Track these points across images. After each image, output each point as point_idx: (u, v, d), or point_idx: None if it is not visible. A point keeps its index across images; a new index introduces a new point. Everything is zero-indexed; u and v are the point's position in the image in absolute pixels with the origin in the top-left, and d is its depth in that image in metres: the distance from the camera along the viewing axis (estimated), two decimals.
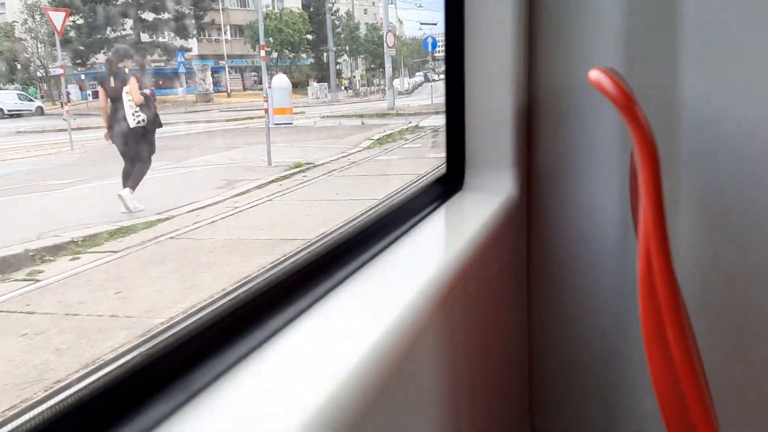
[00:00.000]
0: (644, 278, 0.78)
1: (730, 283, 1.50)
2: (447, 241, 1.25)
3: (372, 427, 0.70)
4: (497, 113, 1.49)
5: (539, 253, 1.62)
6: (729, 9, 1.39)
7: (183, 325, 0.68)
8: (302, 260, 0.91)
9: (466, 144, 1.52)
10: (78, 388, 0.55)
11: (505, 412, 1.52)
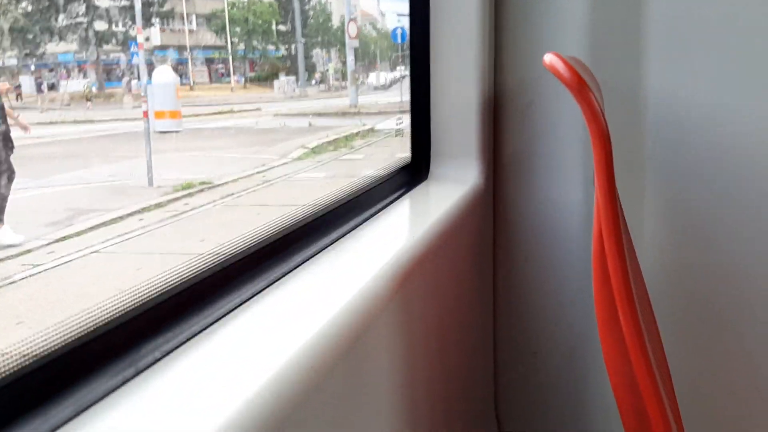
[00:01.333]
0: (597, 257, 0.79)
1: (693, 275, 1.52)
2: (409, 228, 1.26)
3: (320, 408, 0.70)
4: (463, 103, 1.50)
5: (505, 243, 1.63)
6: (694, 2, 1.41)
7: (136, 299, 0.67)
8: (259, 241, 0.90)
9: (431, 133, 1.53)
10: (19, 359, 0.55)
11: (469, 400, 1.53)
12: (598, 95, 1.06)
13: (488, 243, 1.63)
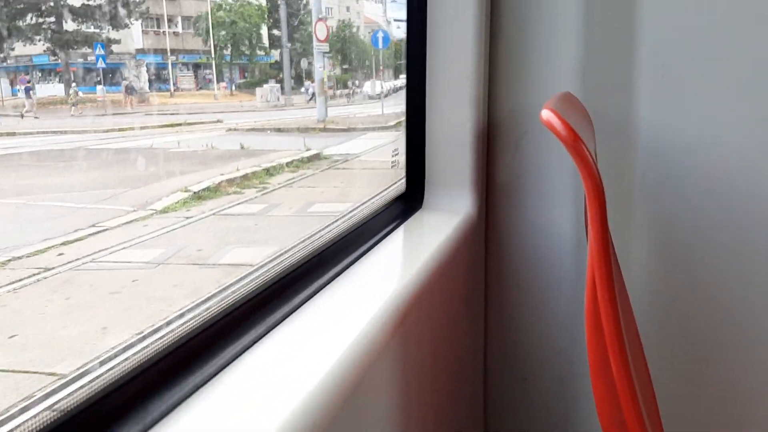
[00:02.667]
0: (590, 310, 0.81)
1: (681, 305, 1.55)
2: (405, 263, 1.28)
3: None
4: (457, 133, 1.52)
5: (496, 271, 1.65)
6: (685, 36, 1.44)
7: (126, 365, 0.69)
8: (258, 284, 0.92)
9: (426, 164, 1.55)
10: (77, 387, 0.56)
11: (459, 426, 1.55)
12: (591, 137, 1.08)
13: (480, 271, 1.65)
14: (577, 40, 1.50)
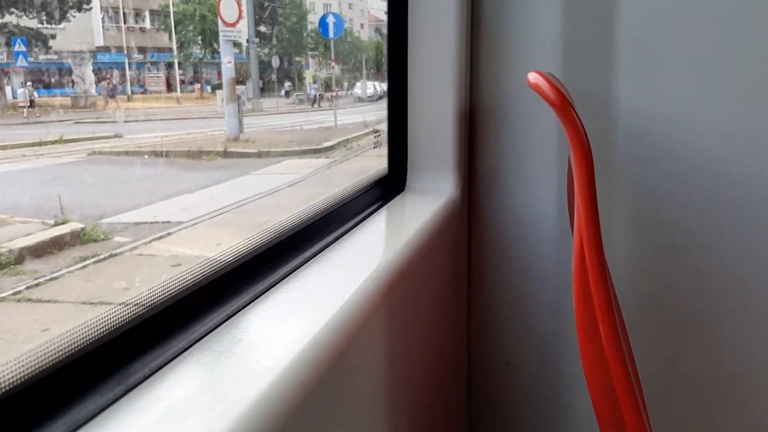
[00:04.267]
0: (578, 271, 0.81)
1: (661, 284, 1.55)
2: (387, 242, 1.26)
3: (307, 420, 0.70)
4: (440, 116, 1.52)
5: (479, 254, 1.65)
6: (664, 17, 1.45)
7: (121, 317, 0.67)
8: (238, 258, 0.90)
9: (408, 146, 1.54)
10: (11, 378, 0.54)
11: (443, 409, 1.54)
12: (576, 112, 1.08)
13: (463, 254, 1.64)
14: (557, 21, 1.50)
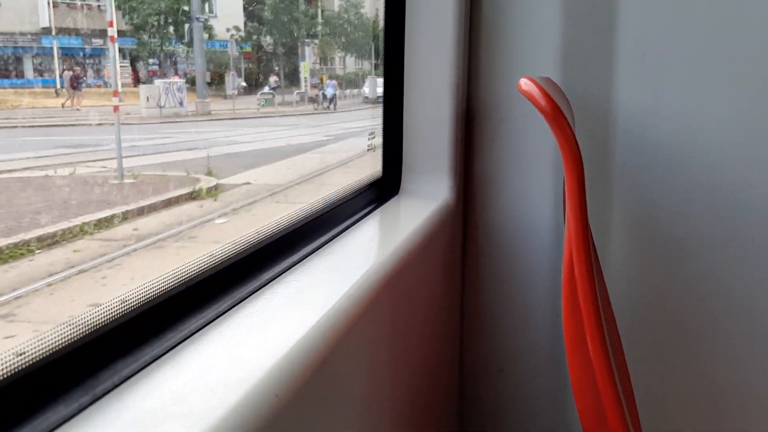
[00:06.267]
0: (567, 283, 0.79)
1: (659, 290, 1.53)
2: (379, 245, 1.25)
3: (289, 426, 0.68)
4: (436, 119, 1.50)
5: (474, 260, 1.63)
6: (665, 22, 1.43)
7: (93, 323, 0.65)
8: (226, 259, 0.89)
9: (403, 149, 1.52)
10: None
11: (435, 416, 1.52)
12: (570, 118, 1.06)
13: (457, 259, 1.62)
14: (557, 24, 1.49)
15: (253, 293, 0.86)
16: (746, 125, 1.41)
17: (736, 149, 1.42)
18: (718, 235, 1.46)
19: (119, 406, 0.58)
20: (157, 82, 2.43)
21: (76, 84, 1.96)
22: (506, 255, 1.60)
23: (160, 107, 2.40)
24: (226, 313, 0.79)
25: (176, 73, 2.57)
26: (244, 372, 0.64)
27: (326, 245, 1.12)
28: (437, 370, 1.52)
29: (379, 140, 1.54)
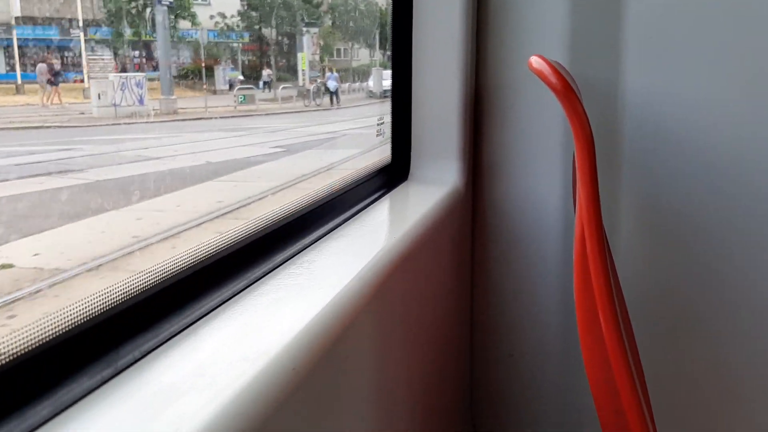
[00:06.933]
0: (579, 258, 0.79)
1: (667, 275, 1.54)
2: (389, 230, 1.25)
3: (301, 409, 0.69)
4: (444, 104, 1.50)
5: (484, 244, 1.63)
6: (672, 6, 1.43)
7: (115, 299, 0.66)
8: (239, 241, 0.89)
9: (412, 134, 1.53)
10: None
11: (445, 399, 1.53)
12: (580, 99, 1.06)
13: (467, 244, 1.63)
14: (564, 10, 1.49)
15: (267, 273, 0.87)
16: (756, 108, 1.41)
17: (747, 132, 1.42)
18: (728, 218, 1.46)
19: (141, 378, 0.59)
20: (112, 76, 2.09)
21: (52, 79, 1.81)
22: (515, 239, 1.61)
23: (115, 106, 2.08)
24: (242, 292, 0.80)
25: (138, 66, 2.22)
26: (262, 346, 0.65)
27: (336, 229, 1.12)
28: (448, 354, 1.53)
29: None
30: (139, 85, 2.12)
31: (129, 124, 2.21)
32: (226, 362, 0.62)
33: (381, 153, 1.56)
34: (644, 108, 1.47)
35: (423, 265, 1.24)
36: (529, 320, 1.64)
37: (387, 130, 1.56)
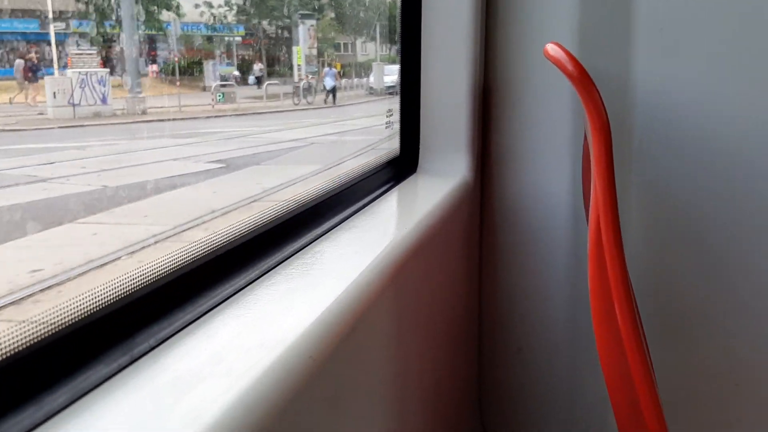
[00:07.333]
0: (594, 249, 0.79)
1: (677, 270, 1.53)
2: (398, 222, 1.25)
3: (316, 394, 0.69)
4: (453, 96, 1.50)
5: (492, 237, 1.63)
6: None
7: (130, 287, 0.66)
8: (252, 231, 0.89)
9: (420, 127, 1.52)
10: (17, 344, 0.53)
11: (454, 393, 1.53)
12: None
13: (475, 236, 1.62)
14: (574, 1, 1.48)
15: (279, 264, 0.86)
16: (765, 100, 1.40)
17: (758, 123, 1.40)
18: (741, 211, 1.45)
19: (158, 366, 0.59)
20: (70, 73, 1.86)
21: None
22: (524, 232, 1.60)
23: (73, 105, 1.88)
24: (255, 282, 0.79)
25: (103, 62, 1.94)
26: (279, 334, 0.64)
27: (346, 221, 1.12)
28: (456, 347, 1.53)
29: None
30: (101, 82, 1.91)
31: (76, 127, 1.94)
32: (243, 350, 0.62)
33: (341, 170, 1.35)
34: (654, 99, 1.46)
35: (433, 257, 1.24)
36: (538, 314, 1.64)
37: (387, 129, 1.56)
